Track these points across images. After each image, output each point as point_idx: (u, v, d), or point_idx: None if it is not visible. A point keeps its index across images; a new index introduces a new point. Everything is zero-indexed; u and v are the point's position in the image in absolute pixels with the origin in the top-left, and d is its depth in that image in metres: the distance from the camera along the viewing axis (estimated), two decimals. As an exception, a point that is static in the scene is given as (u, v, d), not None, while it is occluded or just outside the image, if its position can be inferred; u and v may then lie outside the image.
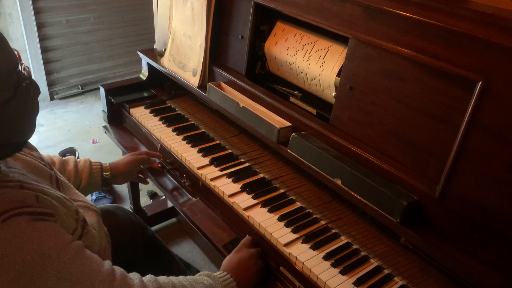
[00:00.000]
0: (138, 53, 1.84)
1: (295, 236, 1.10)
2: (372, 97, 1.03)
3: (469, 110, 0.83)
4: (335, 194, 1.23)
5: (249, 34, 1.37)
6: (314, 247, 1.07)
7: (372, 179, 0.97)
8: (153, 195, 2.37)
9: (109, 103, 1.77)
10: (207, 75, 1.52)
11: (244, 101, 1.34)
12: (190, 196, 1.39)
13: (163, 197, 2.31)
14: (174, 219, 2.21)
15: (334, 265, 1.02)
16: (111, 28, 3.54)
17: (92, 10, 3.38)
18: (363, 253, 1.07)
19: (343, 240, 1.11)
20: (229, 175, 1.32)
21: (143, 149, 1.63)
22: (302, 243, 1.08)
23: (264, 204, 1.20)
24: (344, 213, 1.20)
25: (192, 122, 1.64)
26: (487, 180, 0.83)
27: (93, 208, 1.09)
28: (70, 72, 3.47)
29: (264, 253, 1.13)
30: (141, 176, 1.53)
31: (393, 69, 0.97)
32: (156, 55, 1.77)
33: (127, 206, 2.16)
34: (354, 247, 1.08)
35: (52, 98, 3.41)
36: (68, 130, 3.02)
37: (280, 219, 1.15)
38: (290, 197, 1.24)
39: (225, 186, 1.27)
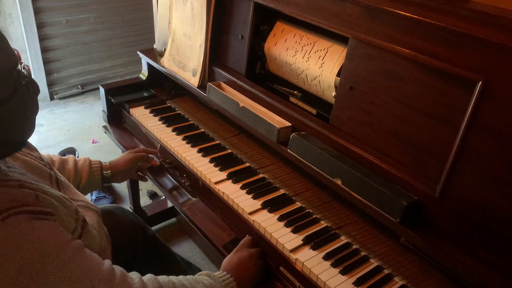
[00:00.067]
0: (138, 53, 1.84)
1: (295, 236, 1.10)
2: (372, 97, 1.03)
3: (469, 110, 0.83)
4: (335, 194, 1.23)
5: (249, 34, 1.37)
6: (314, 247, 1.07)
7: (372, 179, 0.97)
8: (153, 195, 2.37)
9: (109, 103, 1.77)
10: (207, 75, 1.52)
11: (244, 101, 1.34)
12: (190, 196, 1.39)
13: (163, 197, 2.31)
14: (174, 219, 2.21)
15: (334, 265, 1.02)
16: (111, 28, 3.53)
17: (92, 10, 3.38)
18: (363, 253, 1.07)
19: (343, 240, 1.11)
20: (228, 176, 1.32)
21: (142, 148, 1.63)
22: (302, 243, 1.08)
23: (264, 204, 1.20)
24: (344, 213, 1.20)
25: (192, 122, 1.64)
26: (487, 180, 0.83)
27: (93, 208, 1.10)
28: (70, 72, 3.46)
29: (264, 253, 1.13)
30: (140, 173, 1.53)
31: (393, 69, 0.97)
32: (156, 55, 1.77)
33: (127, 206, 2.16)
34: (354, 247, 1.08)
35: (52, 98, 3.40)
36: (68, 130, 3.02)
37: (280, 219, 1.15)
38: (290, 197, 1.24)
39: (226, 187, 1.27)
